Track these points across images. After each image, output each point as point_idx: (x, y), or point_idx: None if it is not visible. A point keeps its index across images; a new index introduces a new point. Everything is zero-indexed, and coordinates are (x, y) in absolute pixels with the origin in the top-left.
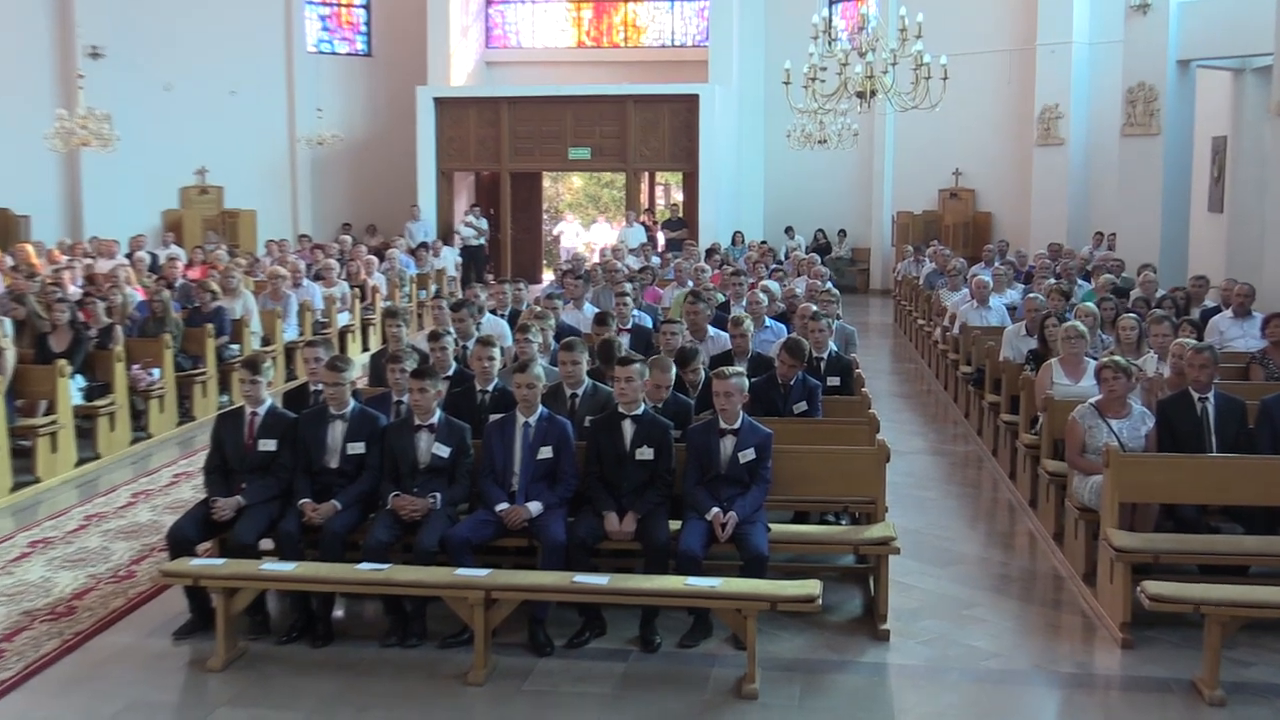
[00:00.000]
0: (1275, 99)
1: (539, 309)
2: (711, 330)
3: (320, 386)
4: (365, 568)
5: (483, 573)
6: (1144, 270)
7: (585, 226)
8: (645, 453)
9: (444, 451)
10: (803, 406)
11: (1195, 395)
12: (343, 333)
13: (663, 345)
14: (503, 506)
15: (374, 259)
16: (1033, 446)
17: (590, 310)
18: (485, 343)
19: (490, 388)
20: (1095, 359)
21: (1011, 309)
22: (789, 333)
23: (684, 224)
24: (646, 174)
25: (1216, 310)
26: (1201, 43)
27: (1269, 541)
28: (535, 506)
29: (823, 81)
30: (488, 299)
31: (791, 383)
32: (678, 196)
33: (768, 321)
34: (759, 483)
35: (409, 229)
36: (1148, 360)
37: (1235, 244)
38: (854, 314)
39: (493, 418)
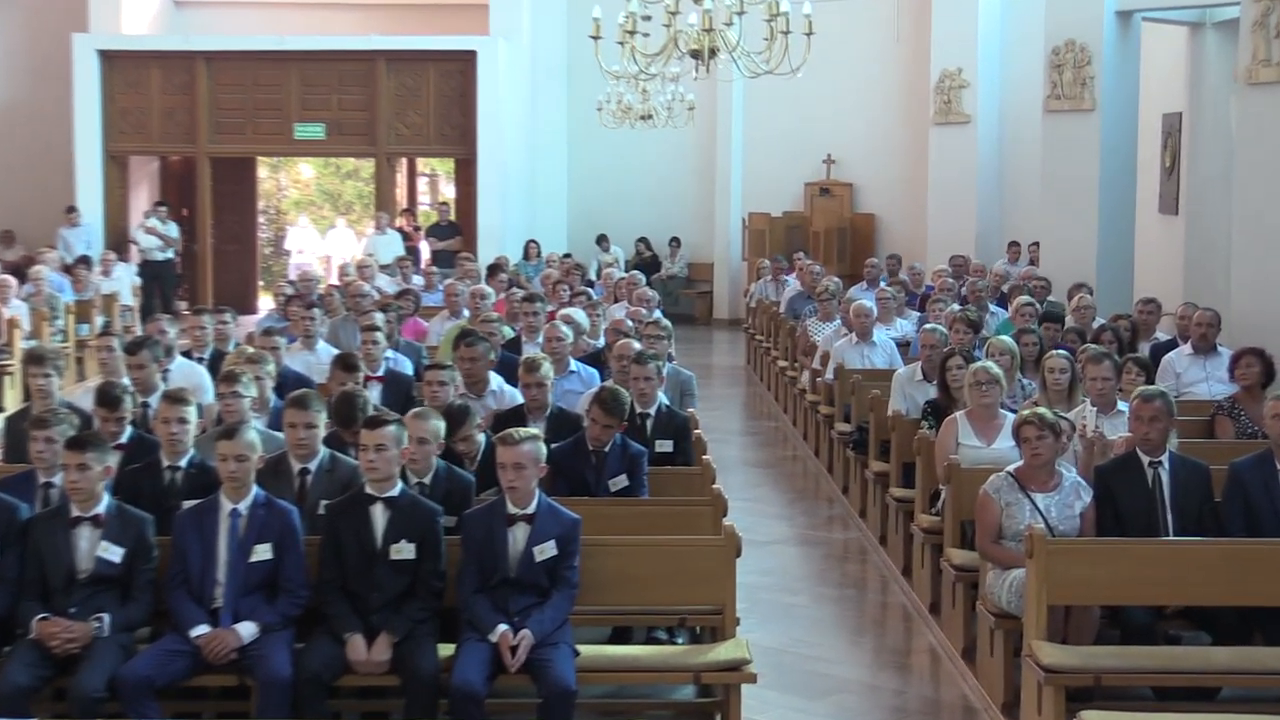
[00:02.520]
0: (1243, 63)
1: (253, 350)
2: (495, 379)
3: None
4: None
5: None
6: (1077, 292)
7: (320, 234)
8: (404, 549)
9: (114, 554)
10: (623, 482)
11: (1145, 459)
12: None
13: (427, 399)
14: (201, 631)
15: (11, 280)
16: (933, 531)
17: (326, 351)
18: (175, 399)
19: (182, 462)
20: (1014, 412)
21: (903, 345)
22: (603, 380)
23: (457, 230)
24: (405, 161)
25: (1171, 345)
26: None
27: (1243, 654)
28: (248, 629)
29: (646, 36)
30: (179, 336)
31: (607, 449)
32: (449, 192)
33: (573, 365)
34: (563, 588)
35: (63, 237)
36: (1082, 413)
37: (1195, 256)
38: (692, 354)
39: (186, 505)
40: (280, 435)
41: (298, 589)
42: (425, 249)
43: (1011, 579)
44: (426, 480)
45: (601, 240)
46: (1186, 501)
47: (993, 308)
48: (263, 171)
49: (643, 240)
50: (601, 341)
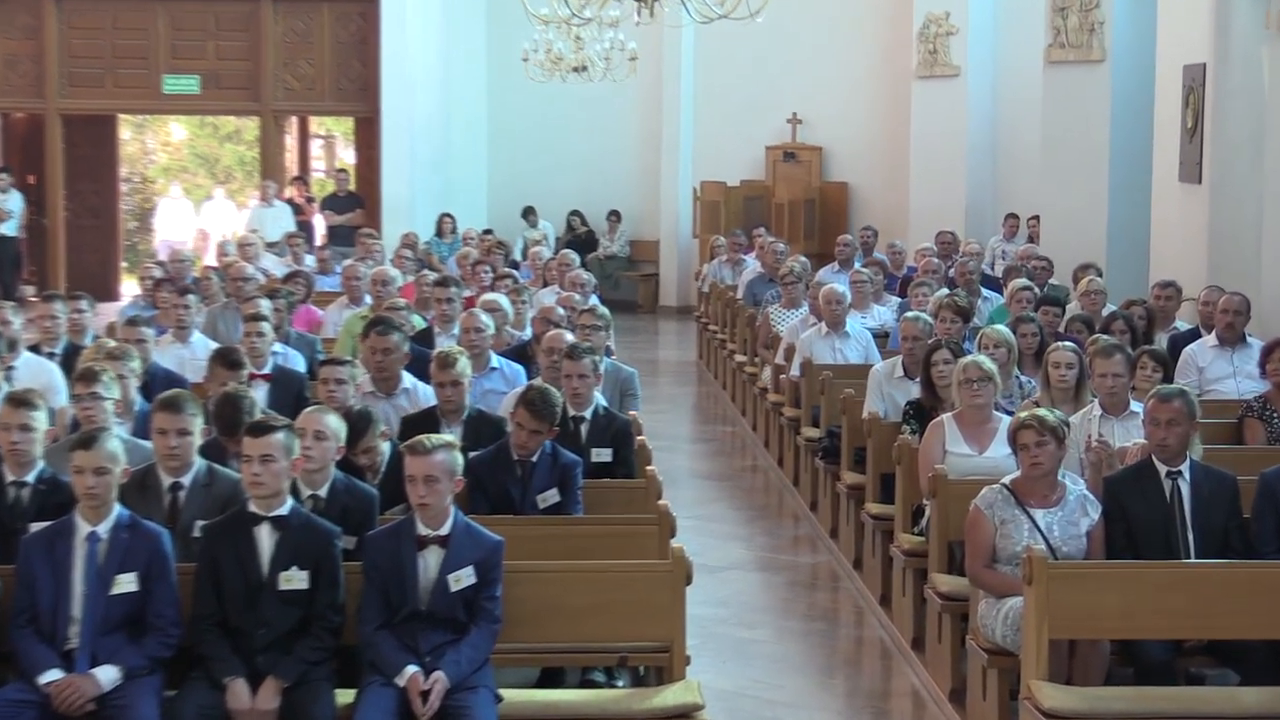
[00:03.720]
0: (1278, 7)
1: (115, 344)
2: (407, 377)
3: None
4: None
5: None
6: (1084, 274)
7: (195, 206)
8: (295, 578)
9: None
10: (553, 497)
11: (1162, 468)
12: None
13: (323, 401)
14: (52, 677)
15: None
16: (916, 554)
17: (203, 345)
18: (20, 402)
19: (29, 477)
20: (1010, 414)
21: (881, 336)
22: (529, 378)
23: (357, 202)
24: (295, 120)
25: (1193, 335)
26: None
27: (1276, 696)
28: (108, 675)
29: None
30: (25, 327)
31: (534, 459)
32: (347, 157)
33: (495, 360)
34: (483, 623)
35: None
36: (1089, 415)
37: (1221, 232)
38: (635, 347)
39: (33, 528)
40: (147, 444)
41: (168, 626)
42: (320, 224)
43: (1007, 609)
44: (322, 494)
45: (528, 214)
46: (1210, 517)
47: (985, 292)
48: (125, 132)
49: (576, 214)
50: (528, 333)
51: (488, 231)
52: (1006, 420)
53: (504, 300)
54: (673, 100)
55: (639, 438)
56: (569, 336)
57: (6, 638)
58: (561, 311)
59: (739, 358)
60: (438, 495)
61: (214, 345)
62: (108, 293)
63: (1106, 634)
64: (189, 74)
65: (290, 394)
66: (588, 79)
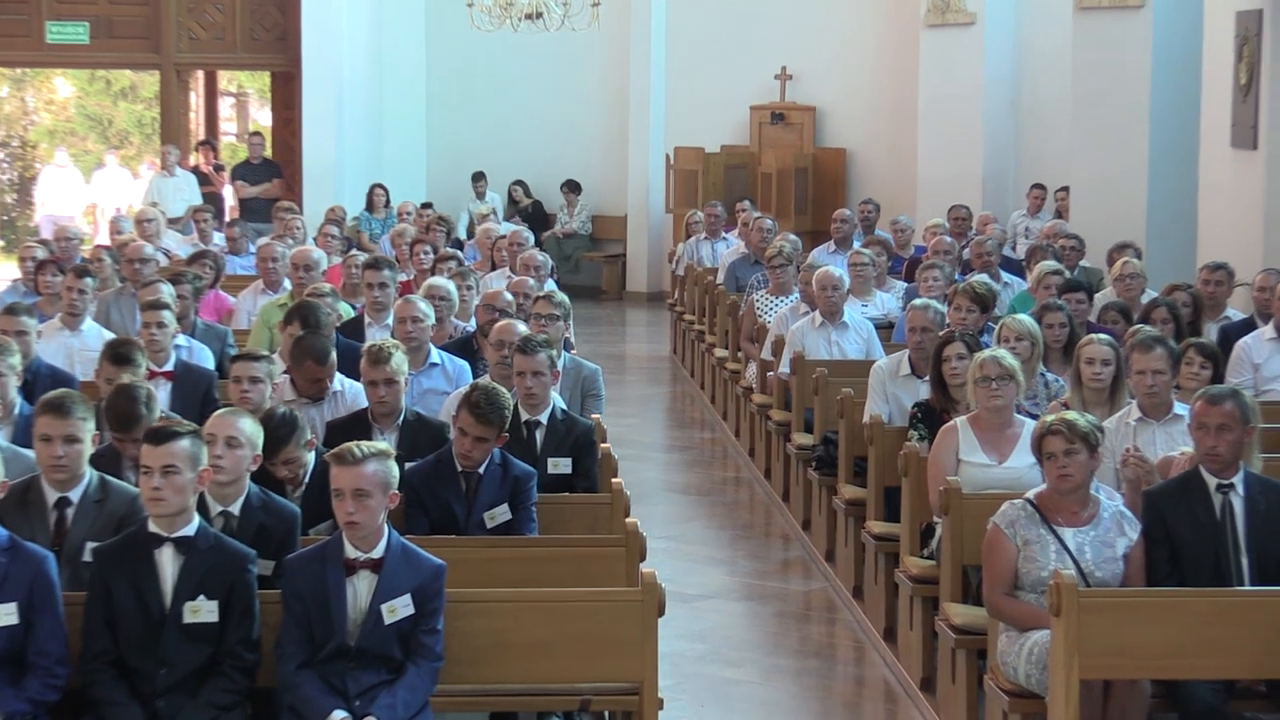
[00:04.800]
0: None
1: None
2: (336, 377)
3: None
4: None
5: None
6: (1120, 255)
7: (84, 175)
8: (202, 609)
9: None
10: (503, 514)
11: (1211, 481)
12: None
13: (235, 403)
14: None
15: None
16: (925, 580)
17: (96, 334)
18: None
19: None
20: (1034, 417)
21: (885, 327)
22: (475, 376)
23: (276, 171)
24: (201, 76)
25: (1248, 325)
26: None
27: None
28: None
29: None
30: None
31: (482, 470)
32: (263, 119)
33: (435, 355)
34: (421, 660)
35: None
36: (1126, 419)
37: None
38: (598, 339)
39: None
40: (29, 453)
41: (54, 665)
42: (230, 196)
43: (1031, 644)
44: (234, 511)
45: (478, 181)
46: (1267, 538)
47: (1006, 276)
48: (2, 89)
49: (519, 184)
50: (474, 323)
51: (427, 205)
52: (1030, 425)
53: (447, 285)
54: (642, 52)
55: (603, 445)
56: (521, 327)
57: None
58: (509, 297)
59: (719, 352)
60: (369, 512)
61: (108, 337)
62: None
63: (1147, 673)
64: (76, 20)
65: (196, 394)
66: (543, 27)
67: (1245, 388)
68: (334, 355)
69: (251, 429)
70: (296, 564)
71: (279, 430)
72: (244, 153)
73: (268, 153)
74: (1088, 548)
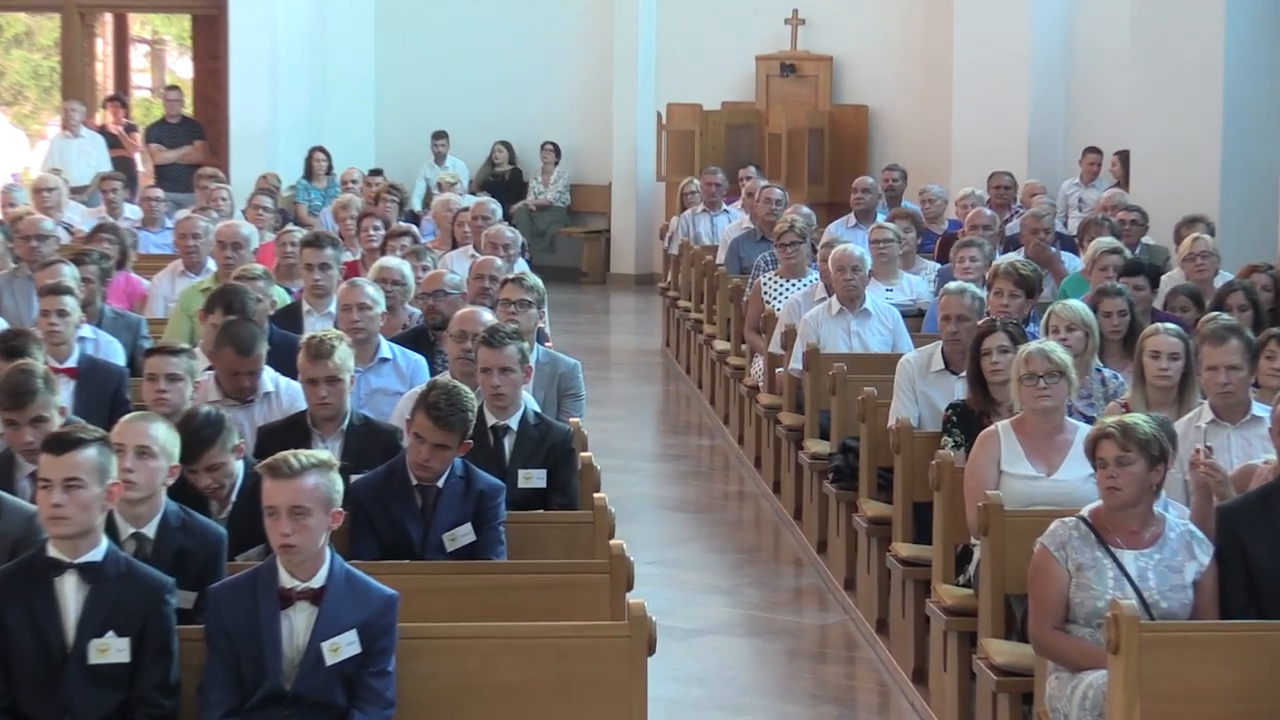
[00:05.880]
0: None
1: None
2: (268, 373)
3: None
4: None
5: None
6: (1190, 230)
7: None
8: (111, 648)
9: None
10: (466, 535)
11: None
12: None
13: (150, 403)
14: None
15: None
16: (961, 612)
17: None
18: None
19: None
20: (1089, 421)
21: (914, 316)
22: (433, 373)
23: (198, 132)
24: (111, 19)
25: None
26: None
27: None
28: None
29: None
30: None
31: (441, 484)
32: (182, 71)
33: (386, 348)
34: (370, 707)
35: None
36: (1196, 421)
37: None
38: (579, 330)
39: None
40: None
41: None
42: (144, 162)
43: (1085, 686)
44: (148, 533)
45: (438, 140)
46: None
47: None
48: None
49: (504, 145)
50: None
51: (376, 172)
52: (1084, 430)
53: (401, 266)
54: None
55: (583, 454)
56: (487, 316)
57: None
58: (456, 278)
59: (720, 345)
60: (308, 534)
61: (2, 324)
62: None
63: None
64: None
65: (104, 395)
66: None
67: None
68: (263, 347)
69: (167, 436)
70: (222, 595)
71: (202, 431)
72: (160, 110)
73: (188, 110)
74: (1151, 574)
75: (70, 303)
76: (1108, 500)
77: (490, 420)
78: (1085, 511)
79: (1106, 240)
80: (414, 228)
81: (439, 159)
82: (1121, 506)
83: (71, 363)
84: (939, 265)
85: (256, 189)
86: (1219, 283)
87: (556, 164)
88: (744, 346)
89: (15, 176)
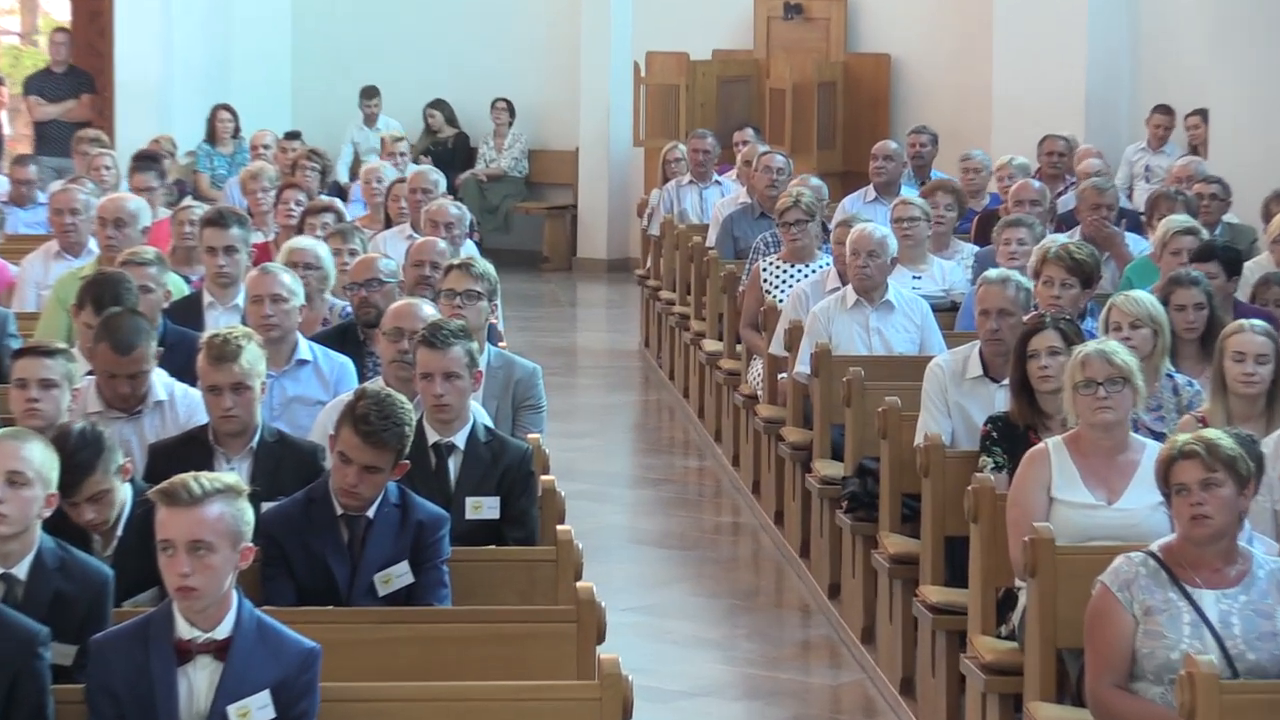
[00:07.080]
0: None
1: None
2: (160, 378)
3: None
4: None
5: None
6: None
7: None
8: None
9: None
10: (402, 576)
11: None
12: None
13: (19, 416)
14: None
15: None
16: (1004, 670)
17: None
18: None
19: None
20: (1158, 437)
21: (946, 310)
22: (362, 379)
23: (87, 83)
24: None
25: None
26: None
27: None
28: None
29: None
30: None
31: (372, 513)
32: (60, 13)
33: (305, 349)
34: None
35: None
36: None
37: None
38: (540, 327)
39: None
40: None
41: None
42: (13, 121)
43: None
44: (19, 574)
45: (369, 99)
46: None
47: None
48: None
49: (440, 105)
50: None
51: (293, 135)
52: (1153, 448)
53: (320, 250)
54: None
55: (544, 478)
56: (428, 309)
57: None
58: (391, 265)
59: (710, 345)
60: (211, 574)
61: None
62: None
63: None
64: None
65: None
66: None
67: None
68: (150, 344)
69: (43, 458)
70: (108, 647)
71: (79, 454)
72: (31, 59)
73: (70, 61)
74: (1236, 619)
75: None
76: (1192, 532)
77: (432, 437)
78: (1155, 546)
79: (1180, 218)
80: (338, 202)
81: (369, 120)
82: (1210, 540)
83: None
84: (976, 248)
85: (144, 154)
86: None
87: (511, 125)
88: (739, 347)
89: None
